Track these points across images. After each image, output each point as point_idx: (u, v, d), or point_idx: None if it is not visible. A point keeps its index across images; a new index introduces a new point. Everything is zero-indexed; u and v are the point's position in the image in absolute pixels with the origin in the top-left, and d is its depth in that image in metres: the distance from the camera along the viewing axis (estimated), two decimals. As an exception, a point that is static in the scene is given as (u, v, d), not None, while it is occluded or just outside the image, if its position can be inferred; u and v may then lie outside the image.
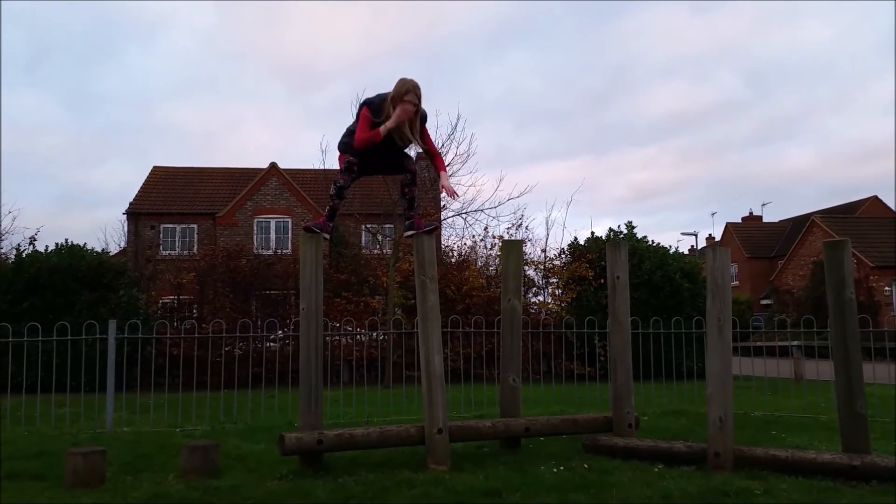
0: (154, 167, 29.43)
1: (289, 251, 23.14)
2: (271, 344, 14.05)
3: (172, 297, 18.94)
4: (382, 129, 5.11)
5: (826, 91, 76.24)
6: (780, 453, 4.95)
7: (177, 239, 26.17)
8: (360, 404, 8.96)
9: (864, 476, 4.60)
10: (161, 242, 25.82)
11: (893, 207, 39.13)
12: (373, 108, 5.17)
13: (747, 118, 76.64)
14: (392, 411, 8.72)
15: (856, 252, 27.95)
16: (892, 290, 28.39)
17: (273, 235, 25.93)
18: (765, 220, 48.74)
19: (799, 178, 71.56)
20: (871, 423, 5.31)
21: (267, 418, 8.27)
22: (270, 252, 22.49)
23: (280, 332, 12.87)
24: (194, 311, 18.21)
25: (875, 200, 42.24)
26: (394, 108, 5.10)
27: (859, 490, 4.41)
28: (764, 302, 38.16)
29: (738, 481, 4.53)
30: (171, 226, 26.20)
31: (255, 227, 26.00)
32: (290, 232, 25.76)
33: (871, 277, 28.45)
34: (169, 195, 27.43)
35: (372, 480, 4.64)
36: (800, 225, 37.99)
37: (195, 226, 26.34)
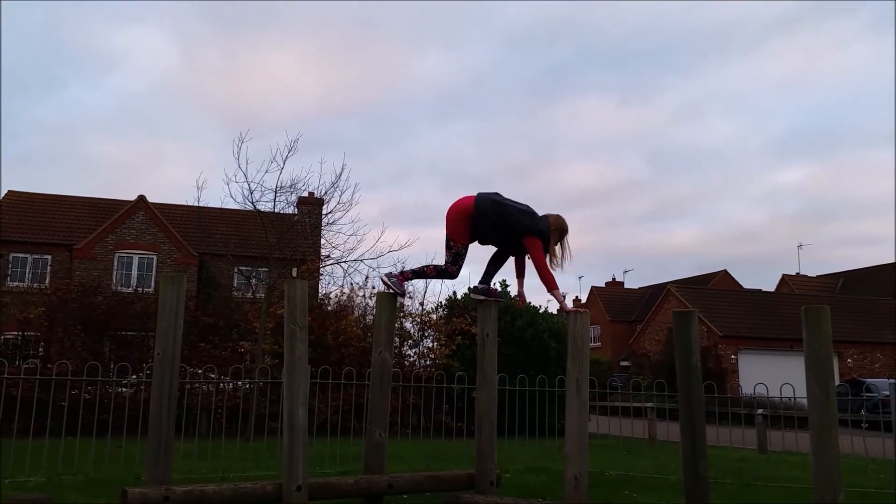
0: (9, 191, 27.15)
1: (151, 290, 21.88)
2: (123, 389, 13.12)
3: (17, 332, 17.34)
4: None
5: (717, 179, 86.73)
6: (630, 513, 5.16)
7: (27, 269, 24.11)
8: (217, 458, 8.48)
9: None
10: (9, 273, 23.70)
11: None
12: (544, 240, 5.77)
13: (646, 197, 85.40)
14: (252, 466, 8.32)
15: (707, 321, 30.17)
16: (737, 359, 30.71)
17: (135, 272, 24.45)
18: (626, 286, 51.78)
19: (679, 252, 79.48)
20: (712, 485, 5.66)
21: (111, 470, 7.65)
22: (130, 290, 21.15)
23: (134, 376, 12.05)
24: (41, 349, 16.73)
25: (724, 274, 46.02)
26: (554, 239, 5.83)
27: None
28: (623, 363, 40.16)
29: (591, 540, 4.66)
30: (21, 255, 24.16)
31: (115, 263, 24.41)
32: (153, 269, 24.40)
33: (720, 346, 30.72)
34: (22, 222, 25.33)
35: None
36: (657, 293, 40.61)
37: (49, 257, 24.41)
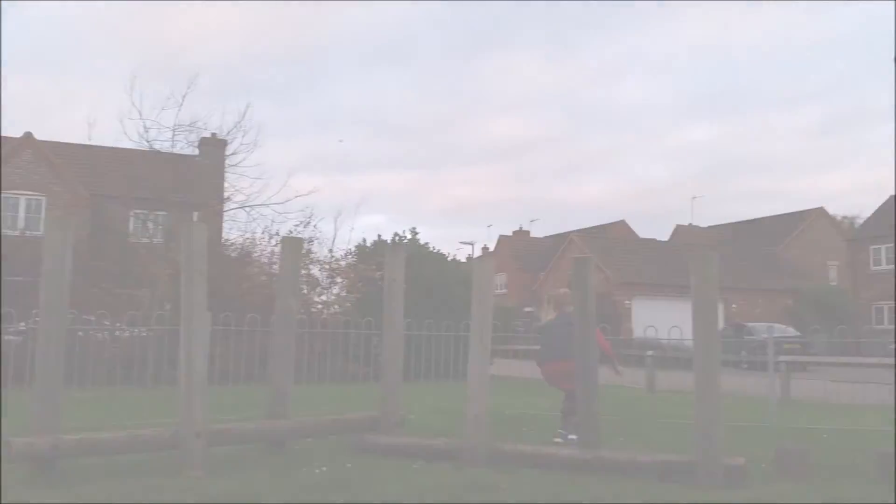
0: None
1: (40, 233, 20.58)
2: (11, 338, 12.39)
3: None
4: None
5: (630, 136, 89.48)
6: (526, 448, 5.40)
7: None
8: (114, 407, 8.21)
9: (594, 468, 5.15)
10: None
11: None
12: None
13: (562, 152, 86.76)
14: (153, 414, 8.09)
15: (604, 269, 31.40)
16: (631, 304, 32.26)
17: (22, 214, 22.88)
18: (532, 235, 52.92)
19: (587, 204, 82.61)
20: (603, 420, 5.98)
21: (-4, 421, 7.26)
22: (17, 233, 19.84)
23: (21, 324, 11.39)
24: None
25: (623, 224, 47.80)
26: None
27: (588, 480, 4.92)
28: (527, 309, 41.37)
29: (488, 476, 4.85)
30: None
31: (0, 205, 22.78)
32: (42, 211, 22.92)
33: (615, 292, 32.12)
34: None
35: (116, 489, 4.27)
36: (560, 241, 41.81)
37: (-75, 198, 22.45)
